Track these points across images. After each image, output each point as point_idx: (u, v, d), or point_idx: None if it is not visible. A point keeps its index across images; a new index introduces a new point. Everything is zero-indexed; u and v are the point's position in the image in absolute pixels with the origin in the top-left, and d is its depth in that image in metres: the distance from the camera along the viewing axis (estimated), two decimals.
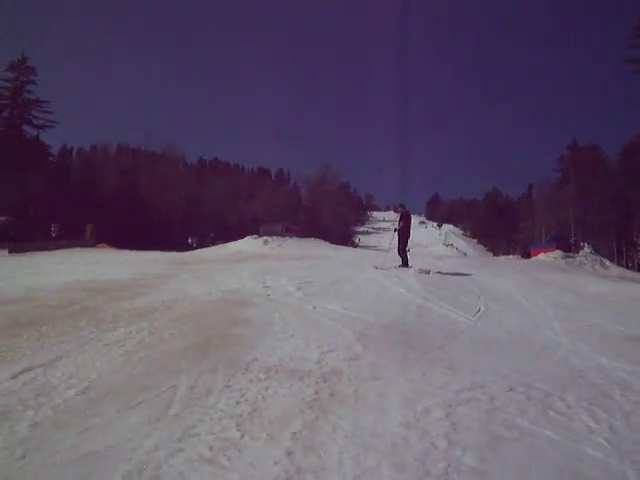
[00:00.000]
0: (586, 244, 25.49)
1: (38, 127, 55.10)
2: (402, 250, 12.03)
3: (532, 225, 60.71)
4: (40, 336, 5.00)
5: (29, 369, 3.92)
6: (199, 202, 64.50)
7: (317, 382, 3.78)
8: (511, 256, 32.22)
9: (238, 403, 3.31)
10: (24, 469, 2.45)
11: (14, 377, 3.74)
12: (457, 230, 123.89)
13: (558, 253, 20.01)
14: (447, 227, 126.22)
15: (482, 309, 7.23)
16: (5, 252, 31.84)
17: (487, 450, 2.77)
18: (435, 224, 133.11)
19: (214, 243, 45.04)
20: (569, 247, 26.59)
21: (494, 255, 55.53)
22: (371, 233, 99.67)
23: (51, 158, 60.63)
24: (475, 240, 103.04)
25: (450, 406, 3.37)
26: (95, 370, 3.95)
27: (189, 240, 64.47)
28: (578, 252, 21.91)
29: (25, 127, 54.90)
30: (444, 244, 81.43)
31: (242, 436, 2.84)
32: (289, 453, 2.65)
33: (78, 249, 33.02)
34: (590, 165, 49.83)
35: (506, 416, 3.26)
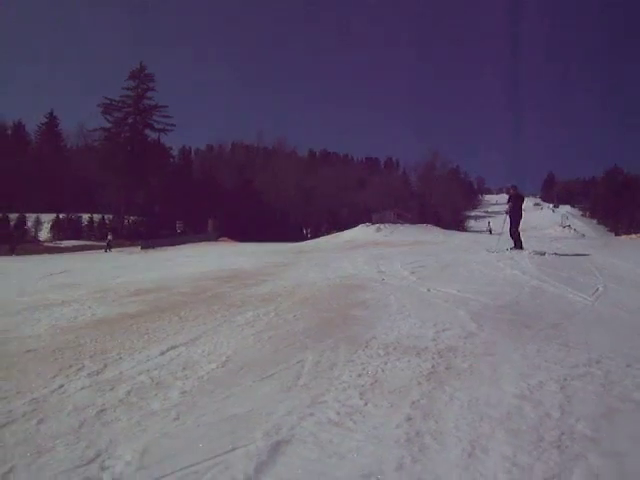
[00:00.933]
0: None
1: (159, 130, 58.35)
2: (515, 232, 11.64)
3: None
4: (180, 319, 5.59)
5: (174, 347, 4.44)
6: (311, 193, 66.13)
7: (433, 357, 3.89)
8: (634, 235, 29.60)
9: (360, 375, 3.53)
10: (179, 428, 2.84)
11: (162, 354, 4.26)
12: (575, 211, 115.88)
13: None
14: (564, 208, 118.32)
15: (600, 289, 6.84)
16: (138, 248, 35.11)
17: (601, 420, 2.76)
18: (551, 205, 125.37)
19: (328, 233, 45.98)
20: None
21: (616, 235, 50.98)
22: (484, 217, 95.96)
23: (172, 159, 64.57)
24: (595, 221, 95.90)
25: (565, 380, 3.34)
26: (230, 347, 4.37)
27: (303, 231, 66.44)
28: None
29: (147, 132, 58.43)
30: (561, 225, 76.06)
31: (365, 404, 3.04)
32: (409, 419, 2.81)
33: (202, 243, 35.58)
34: None
35: (622, 390, 3.18)
